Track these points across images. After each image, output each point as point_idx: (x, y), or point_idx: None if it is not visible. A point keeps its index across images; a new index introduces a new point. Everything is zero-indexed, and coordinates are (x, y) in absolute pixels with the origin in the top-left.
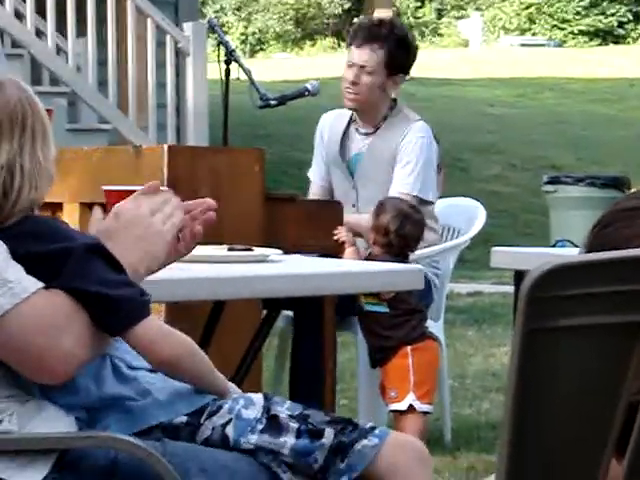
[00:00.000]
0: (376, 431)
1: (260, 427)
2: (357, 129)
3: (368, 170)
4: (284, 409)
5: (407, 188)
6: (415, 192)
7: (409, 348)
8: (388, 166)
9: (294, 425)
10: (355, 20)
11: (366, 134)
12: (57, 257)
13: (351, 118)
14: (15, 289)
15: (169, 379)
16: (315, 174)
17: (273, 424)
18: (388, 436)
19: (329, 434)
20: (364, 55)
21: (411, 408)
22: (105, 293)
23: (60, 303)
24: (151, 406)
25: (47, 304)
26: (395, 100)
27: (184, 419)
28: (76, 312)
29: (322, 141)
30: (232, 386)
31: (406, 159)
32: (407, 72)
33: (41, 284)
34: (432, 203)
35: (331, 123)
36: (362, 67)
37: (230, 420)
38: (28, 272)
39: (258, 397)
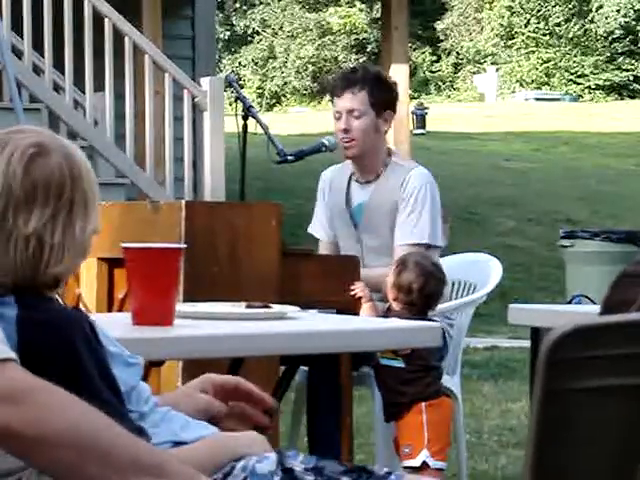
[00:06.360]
0: (392, 477)
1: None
2: (357, 180)
3: (371, 220)
4: (298, 462)
5: (416, 238)
6: (425, 240)
7: (423, 404)
8: (390, 216)
9: (310, 478)
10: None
11: (367, 182)
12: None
13: (352, 172)
14: None
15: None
16: (320, 232)
17: (289, 478)
18: None
19: None
20: (347, 101)
21: (424, 465)
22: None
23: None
24: None
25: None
26: (390, 150)
27: None
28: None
29: (324, 198)
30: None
31: (410, 208)
32: (393, 109)
33: (9, 355)
34: (440, 247)
35: (332, 178)
36: (350, 112)
37: (245, 479)
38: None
39: (270, 452)
